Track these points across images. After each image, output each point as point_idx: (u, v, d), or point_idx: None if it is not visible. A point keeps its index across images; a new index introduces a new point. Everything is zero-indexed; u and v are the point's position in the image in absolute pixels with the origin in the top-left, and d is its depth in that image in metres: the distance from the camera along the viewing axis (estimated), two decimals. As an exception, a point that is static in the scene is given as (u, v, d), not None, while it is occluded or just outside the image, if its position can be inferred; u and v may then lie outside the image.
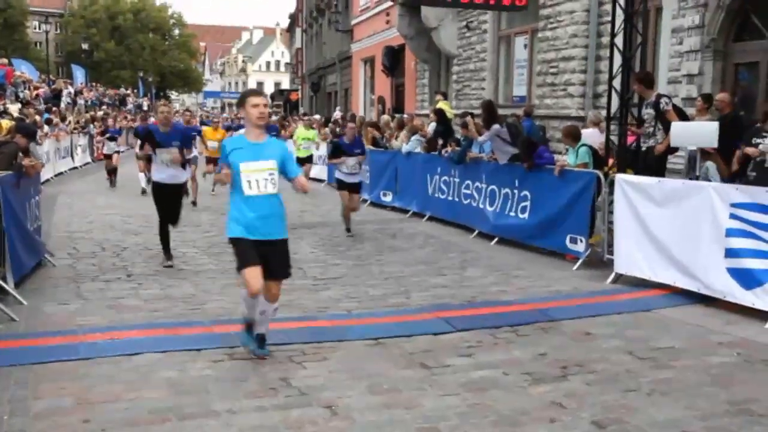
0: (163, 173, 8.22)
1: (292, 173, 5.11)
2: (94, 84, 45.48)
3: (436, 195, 12.08)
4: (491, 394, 4.52)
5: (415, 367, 5.01)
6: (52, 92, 30.15)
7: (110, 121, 23.12)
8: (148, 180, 12.14)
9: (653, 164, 8.37)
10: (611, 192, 7.96)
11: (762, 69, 10.09)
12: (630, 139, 9.02)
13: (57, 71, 58.35)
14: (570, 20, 13.77)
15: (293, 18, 52.85)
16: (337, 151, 10.94)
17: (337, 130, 18.84)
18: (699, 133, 7.63)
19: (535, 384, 4.69)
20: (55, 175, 19.46)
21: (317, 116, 24.35)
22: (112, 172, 17.62)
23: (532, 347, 5.46)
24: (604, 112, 9.89)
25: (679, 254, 6.91)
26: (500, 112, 11.28)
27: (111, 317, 6.20)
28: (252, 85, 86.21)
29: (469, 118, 11.10)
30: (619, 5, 8.87)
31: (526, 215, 9.57)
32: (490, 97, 15.83)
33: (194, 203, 13.48)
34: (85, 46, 52.98)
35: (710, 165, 8.11)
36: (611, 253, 7.89)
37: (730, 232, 6.41)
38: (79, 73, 40.77)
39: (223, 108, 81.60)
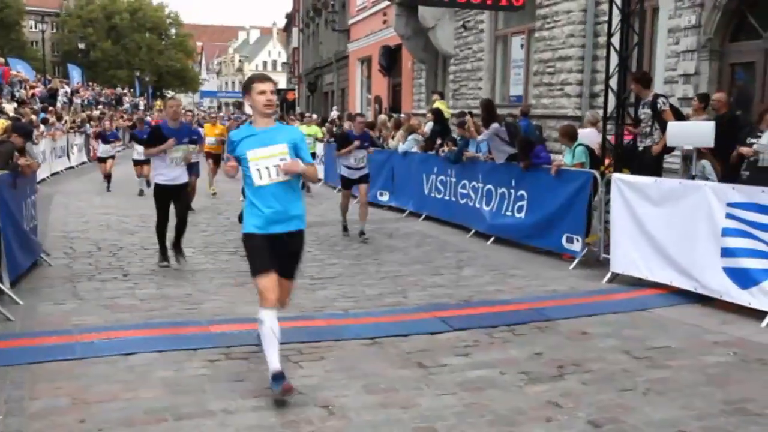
0: (167, 175, 8.04)
1: (305, 161, 4.56)
2: (90, 83, 45.42)
3: (433, 194, 12.08)
4: (488, 393, 4.52)
5: (412, 367, 5.00)
6: (49, 92, 30.06)
7: (107, 124, 23.06)
8: (147, 183, 12.07)
9: (650, 164, 8.38)
10: (608, 191, 7.96)
11: (758, 69, 10.09)
12: (627, 139, 9.03)
13: (53, 71, 58.34)
14: (567, 20, 13.78)
15: (290, 18, 52.82)
16: (345, 141, 10.65)
17: (334, 129, 18.82)
18: (695, 132, 7.63)
19: (532, 383, 4.69)
20: (51, 175, 19.44)
21: (314, 116, 24.41)
22: (107, 177, 17.46)
23: (529, 347, 5.46)
24: (600, 112, 9.89)
25: (676, 254, 6.91)
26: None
27: (107, 317, 6.18)
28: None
29: (468, 117, 11.10)
30: (616, 5, 8.87)
31: (522, 215, 9.57)
32: (486, 96, 15.82)
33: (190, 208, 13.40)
34: (81, 46, 52.75)
35: (706, 163, 8.12)
36: (608, 252, 7.89)
37: (726, 232, 6.42)
38: (75, 73, 40.64)
39: (219, 107, 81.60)
